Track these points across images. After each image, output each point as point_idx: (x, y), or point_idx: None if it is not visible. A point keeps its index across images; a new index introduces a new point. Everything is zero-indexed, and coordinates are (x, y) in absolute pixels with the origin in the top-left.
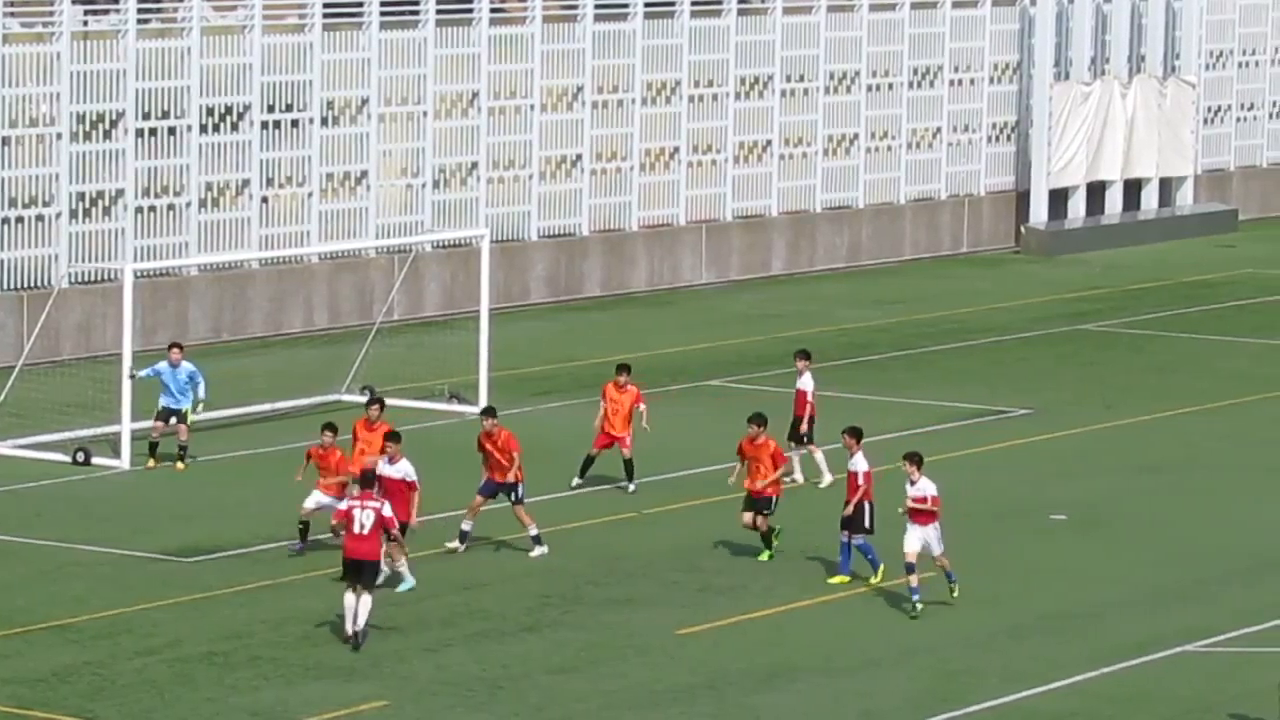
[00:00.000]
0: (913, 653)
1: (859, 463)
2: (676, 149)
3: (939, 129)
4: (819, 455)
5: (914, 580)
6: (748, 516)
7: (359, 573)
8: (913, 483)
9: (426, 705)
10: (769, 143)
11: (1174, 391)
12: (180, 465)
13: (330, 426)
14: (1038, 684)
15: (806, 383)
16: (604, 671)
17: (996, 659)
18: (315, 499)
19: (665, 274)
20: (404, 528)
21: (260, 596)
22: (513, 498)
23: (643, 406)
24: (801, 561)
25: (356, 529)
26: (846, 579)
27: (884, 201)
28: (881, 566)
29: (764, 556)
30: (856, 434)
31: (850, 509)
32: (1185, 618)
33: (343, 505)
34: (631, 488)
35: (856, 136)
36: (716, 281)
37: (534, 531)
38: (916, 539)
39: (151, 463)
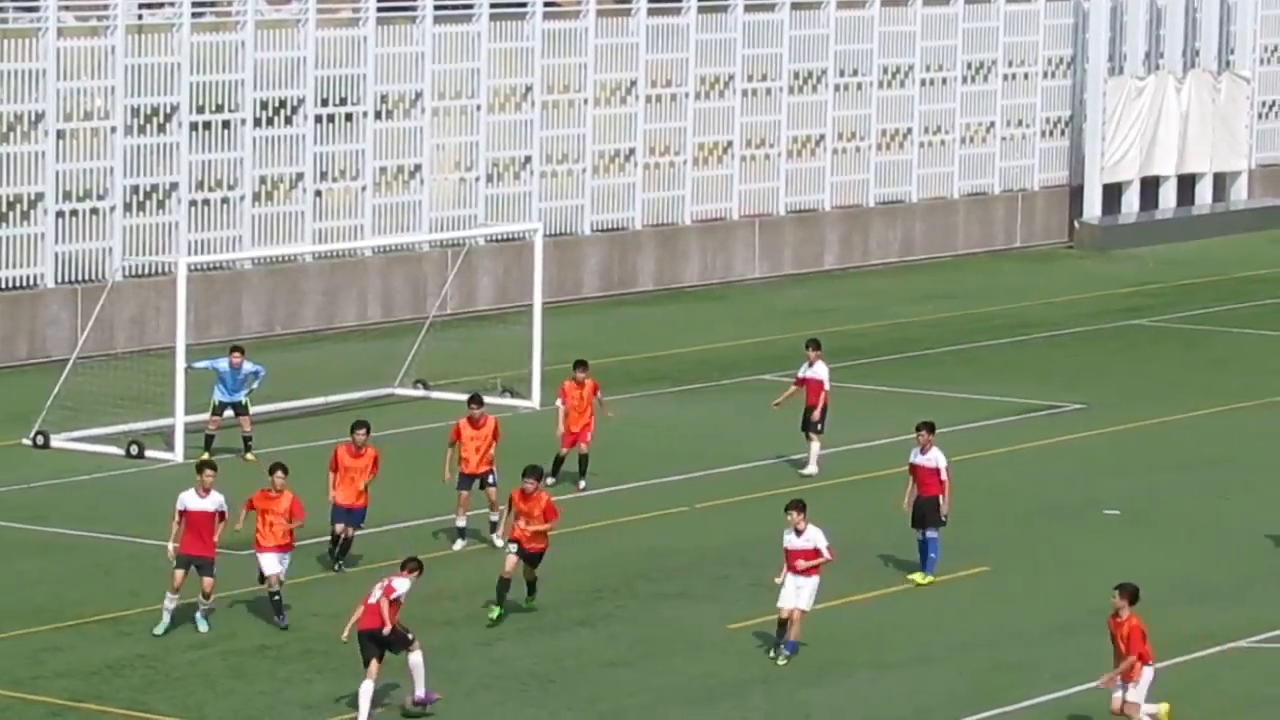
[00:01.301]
0: (965, 648)
1: (937, 458)
2: (730, 143)
3: (992, 123)
4: (815, 446)
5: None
6: (512, 561)
7: (381, 646)
8: (799, 532)
9: (479, 699)
10: (822, 137)
11: (1227, 387)
12: (250, 456)
13: (281, 466)
14: (1090, 680)
15: (821, 371)
16: (656, 666)
17: (1048, 655)
18: (272, 562)
19: (718, 268)
20: (211, 564)
21: (313, 590)
22: (490, 480)
23: (599, 395)
24: (853, 556)
25: (372, 599)
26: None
27: (937, 196)
28: (933, 575)
29: (495, 613)
30: (932, 428)
31: (945, 504)
32: (1236, 613)
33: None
34: (582, 484)
35: (910, 131)
36: (769, 276)
37: (495, 517)
38: (792, 590)
39: (206, 456)
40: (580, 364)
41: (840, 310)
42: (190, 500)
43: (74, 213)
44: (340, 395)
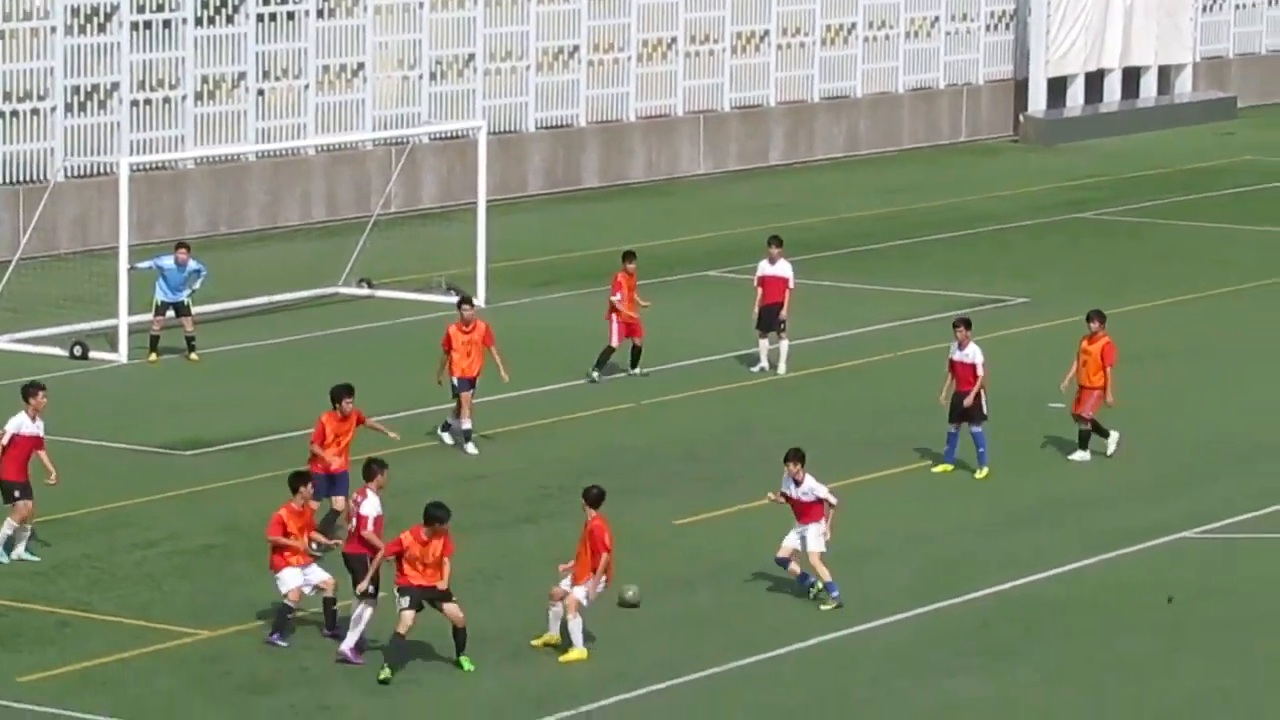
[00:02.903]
0: (911, 541)
1: (974, 353)
2: (674, 39)
3: (937, 18)
4: (785, 345)
5: (796, 569)
6: (410, 617)
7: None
8: (797, 483)
9: None
10: (766, 32)
11: (1172, 279)
12: (194, 356)
13: (302, 477)
14: (1036, 571)
15: (785, 269)
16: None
17: (995, 547)
18: (295, 578)
19: (663, 165)
20: (30, 488)
21: (259, 489)
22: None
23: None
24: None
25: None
26: (951, 468)
27: (882, 91)
28: (987, 467)
29: (384, 674)
30: (969, 324)
31: (970, 399)
32: (1183, 505)
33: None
34: (638, 371)
35: (854, 26)
36: (714, 172)
37: (468, 424)
38: (796, 535)
39: (153, 357)
40: (629, 255)
41: (786, 206)
42: (23, 424)
43: (14, 113)
44: (285, 295)
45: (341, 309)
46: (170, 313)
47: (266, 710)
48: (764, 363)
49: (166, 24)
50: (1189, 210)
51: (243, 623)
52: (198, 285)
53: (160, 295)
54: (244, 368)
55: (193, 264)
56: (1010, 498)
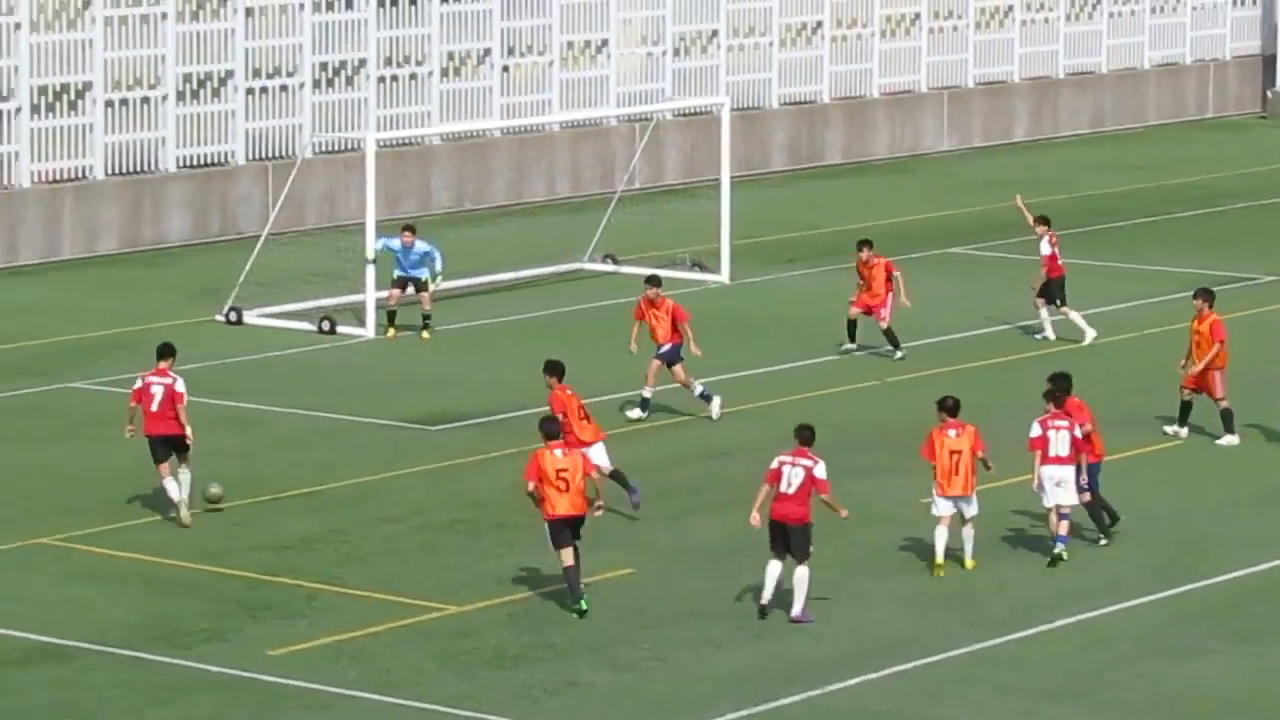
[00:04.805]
0: (1156, 521)
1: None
2: (918, 15)
3: None
4: (1076, 315)
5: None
6: None
7: (786, 539)
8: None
9: (668, 573)
10: (1011, 8)
11: None
12: (425, 335)
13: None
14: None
15: (1045, 248)
16: (854, 539)
17: (1243, 527)
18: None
19: (906, 141)
20: None
21: (504, 464)
22: (679, 356)
23: (898, 274)
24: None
25: (784, 487)
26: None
27: (1127, 67)
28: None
29: None
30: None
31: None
32: None
33: (774, 464)
34: (899, 355)
35: (1099, 1)
36: (958, 148)
37: (700, 389)
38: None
39: (391, 332)
40: (865, 243)
41: (1029, 182)
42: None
43: (264, 90)
44: (529, 270)
45: (587, 285)
46: (410, 289)
47: (514, 685)
48: (1048, 332)
49: (412, 1)
50: None
51: (489, 598)
52: (439, 269)
53: (397, 270)
54: (489, 343)
55: (421, 245)
56: (1256, 476)
